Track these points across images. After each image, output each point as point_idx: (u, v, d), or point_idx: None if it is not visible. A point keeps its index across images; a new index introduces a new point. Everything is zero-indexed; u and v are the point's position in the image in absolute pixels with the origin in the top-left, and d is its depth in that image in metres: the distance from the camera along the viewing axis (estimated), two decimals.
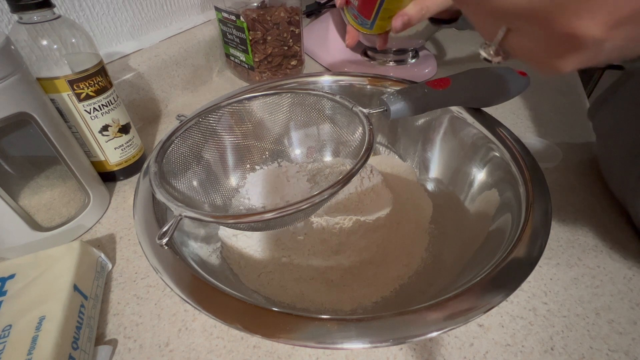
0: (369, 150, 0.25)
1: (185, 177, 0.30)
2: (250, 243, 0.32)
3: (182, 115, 0.31)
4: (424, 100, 0.31)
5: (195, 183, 0.32)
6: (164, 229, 0.21)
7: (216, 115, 0.33)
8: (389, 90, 0.41)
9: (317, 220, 0.33)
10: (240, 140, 0.36)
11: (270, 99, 0.34)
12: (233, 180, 0.37)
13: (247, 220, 0.23)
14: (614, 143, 0.36)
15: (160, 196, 0.23)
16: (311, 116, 0.35)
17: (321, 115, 0.35)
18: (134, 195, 0.28)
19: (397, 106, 0.30)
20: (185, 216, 0.22)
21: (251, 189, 0.37)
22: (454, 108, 0.37)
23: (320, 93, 0.33)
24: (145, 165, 0.30)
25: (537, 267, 0.22)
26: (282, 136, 0.39)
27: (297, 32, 0.57)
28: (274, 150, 0.40)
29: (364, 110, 0.29)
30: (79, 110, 0.34)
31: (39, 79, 0.31)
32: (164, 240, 0.21)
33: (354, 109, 0.30)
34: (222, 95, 0.39)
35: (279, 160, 0.41)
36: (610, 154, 0.37)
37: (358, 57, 0.65)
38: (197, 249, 0.29)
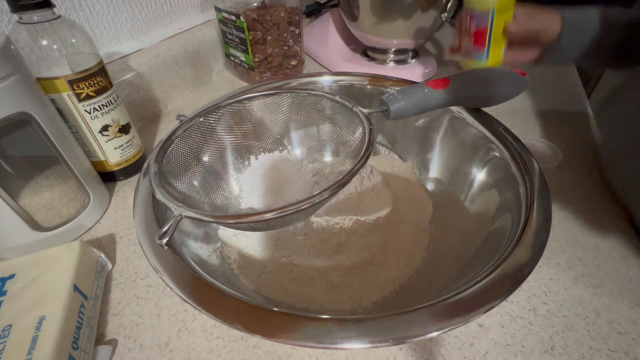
0: (369, 150, 0.25)
1: (185, 177, 0.30)
2: (250, 243, 0.32)
3: (182, 115, 0.31)
4: (424, 100, 0.31)
5: (195, 183, 0.32)
6: (164, 229, 0.21)
7: (216, 115, 0.33)
8: (389, 90, 0.41)
9: (317, 220, 0.33)
10: (240, 140, 0.36)
11: (270, 99, 0.34)
12: (233, 180, 0.37)
13: (247, 220, 0.23)
14: (620, 142, 0.36)
15: (160, 196, 0.23)
16: (311, 116, 0.35)
17: (321, 115, 0.35)
18: (134, 195, 0.28)
19: (397, 106, 0.30)
20: (185, 216, 0.22)
21: (251, 188, 0.37)
22: (454, 108, 0.37)
23: (320, 93, 0.32)
24: (145, 165, 0.30)
25: (537, 267, 0.22)
26: (282, 136, 0.39)
27: (297, 32, 0.57)
28: (274, 150, 0.40)
29: (364, 110, 0.29)
30: (79, 110, 0.34)
31: (39, 79, 0.31)
32: (164, 240, 0.21)
33: (354, 109, 0.30)
34: (222, 95, 0.39)
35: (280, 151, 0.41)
36: (615, 153, 0.37)
37: (358, 57, 0.65)
38: (197, 249, 0.29)
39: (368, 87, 0.42)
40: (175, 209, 0.22)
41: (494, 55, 0.43)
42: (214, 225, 0.34)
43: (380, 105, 0.31)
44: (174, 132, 0.29)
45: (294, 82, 0.43)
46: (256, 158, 0.38)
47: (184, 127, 0.30)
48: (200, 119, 0.32)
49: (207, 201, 0.32)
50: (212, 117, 0.33)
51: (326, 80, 0.43)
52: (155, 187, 0.24)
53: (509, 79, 0.34)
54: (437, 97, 0.32)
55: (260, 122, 0.36)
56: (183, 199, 0.27)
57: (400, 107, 0.30)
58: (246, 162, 0.38)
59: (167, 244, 0.21)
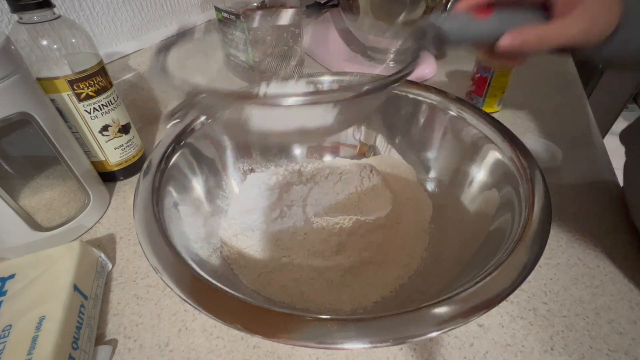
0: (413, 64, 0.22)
1: None
2: (250, 243, 0.32)
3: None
4: (473, 25, 0.25)
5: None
6: (174, 108, 0.19)
7: None
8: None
9: (317, 220, 0.33)
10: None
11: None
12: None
13: (270, 102, 0.20)
14: None
15: (162, 73, 0.20)
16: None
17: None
18: (134, 195, 0.28)
19: (450, 24, 0.24)
20: (197, 91, 0.19)
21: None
22: (454, 108, 0.37)
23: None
24: (145, 166, 0.30)
25: (537, 267, 0.22)
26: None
27: (297, 32, 0.57)
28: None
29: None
30: (79, 110, 0.34)
31: (39, 79, 0.31)
32: (171, 122, 0.18)
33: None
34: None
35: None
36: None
37: (358, 57, 0.65)
38: (197, 249, 0.29)
39: None
40: (187, 85, 0.19)
41: (489, 104, 0.50)
42: (211, 215, 0.34)
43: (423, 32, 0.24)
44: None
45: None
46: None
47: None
48: None
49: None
50: None
51: (326, 80, 0.43)
52: (155, 70, 0.21)
53: None
54: (480, 26, 0.25)
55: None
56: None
57: (456, 26, 0.24)
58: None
59: (164, 235, 0.20)
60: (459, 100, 0.37)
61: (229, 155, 0.36)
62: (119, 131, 0.38)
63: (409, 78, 0.45)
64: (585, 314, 0.28)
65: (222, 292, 0.22)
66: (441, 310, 0.20)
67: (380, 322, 0.20)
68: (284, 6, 0.54)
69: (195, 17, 0.61)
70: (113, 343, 0.27)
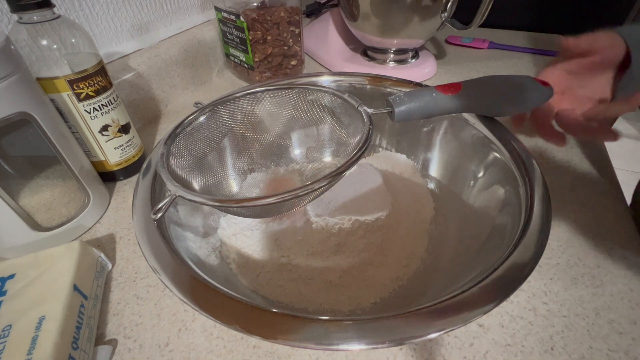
0: (363, 149, 0.25)
1: (190, 163, 0.31)
2: (249, 243, 0.32)
3: (199, 103, 0.32)
4: (432, 105, 0.30)
5: (197, 171, 0.32)
6: (159, 206, 0.23)
7: (232, 106, 0.33)
8: (388, 90, 0.41)
9: (317, 220, 0.33)
10: (248, 134, 0.36)
11: (283, 93, 0.34)
12: (233, 180, 0.37)
13: (236, 206, 0.24)
14: None
15: (162, 174, 0.24)
16: (314, 113, 0.35)
17: (325, 112, 0.34)
18: (133, 195, 0.28)
19: (402, 109, 0.29)
20: (180, 196, 0.23)
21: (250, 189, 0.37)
22: None
23: (331, 90, 0.32)
24: (144, 165, 0.30)
25: (537, 267, 0.22)
26: (286, 133, 0.39)
27: (297, 32, 0.57)
28: (279, 145, 0.40)
29: (368, 110, 0.29)
30: (79, 110, 0.34)
31: (38, 79, 0.31)
32: (158, 216, 0.22)
33: (359, 107, 0.29)
34: (221, 94, 0.39)
35: (277, 161, 0.41)
36: None
37: (358, 57, 0.65)
38: (196, 249, 0.29)
39: (368, 87, 0.42)
40: (173, 188, 0.23)
41: None
42: (210, 214, 0.34)
43: (386, 107, 0.30)
44: (186, 119, 0.30)
45: (296, 82, 0.43)
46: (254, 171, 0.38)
47: (198, 114, 0.31)
48: (215, 108, 0.32)
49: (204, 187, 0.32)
50: (227, 108, 0.33)
51: (326, 80, 0.43)
52: (159, 167, 0.25)
53: (527, 87, 0.32)
54: (445, 102, 0.30)
55: (267, 117, 0.36)
56: (183, 184, 0.27)
57: (405, 110, 0.30)
58: (247, 166, 0.38)
59: (163, 235, 0.21)
60: None
61: (229, 155, 0.36)
62: (119, 131, 0.38)
63: (409, 78, 0.45)
64: (585, 314, 0.28)
65: (220, 293, 0.22)
66: (441, 311, 0.20)
67: (379, 323, 0.19)
68: (283, 6, 0.54)
69: (195, 17, 0.61)
70: (113, 343, 0.27)
